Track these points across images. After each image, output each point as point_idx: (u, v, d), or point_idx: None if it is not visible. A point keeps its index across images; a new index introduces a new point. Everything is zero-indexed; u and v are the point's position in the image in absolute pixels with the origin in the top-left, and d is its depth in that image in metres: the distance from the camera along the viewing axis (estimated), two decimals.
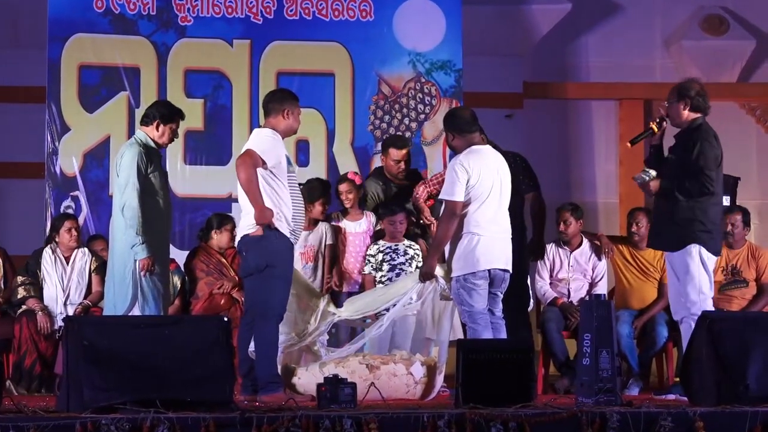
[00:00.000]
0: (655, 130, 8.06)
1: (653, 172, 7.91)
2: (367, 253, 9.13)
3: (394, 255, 9.06)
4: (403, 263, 9.04)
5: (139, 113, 11.04)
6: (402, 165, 9.41)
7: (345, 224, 9.25)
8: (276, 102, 7.90)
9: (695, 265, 7.79)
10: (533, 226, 9.21)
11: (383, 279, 9.04)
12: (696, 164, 7.78)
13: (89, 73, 11.18)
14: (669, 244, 7.96)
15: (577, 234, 9.61)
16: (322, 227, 9.29)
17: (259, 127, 7.99)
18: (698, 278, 7.79)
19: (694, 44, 12.85)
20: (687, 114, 7.93)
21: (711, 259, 7.88)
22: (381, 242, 9.11)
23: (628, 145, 8.21)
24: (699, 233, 7.81)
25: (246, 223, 7.74)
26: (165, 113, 8.48)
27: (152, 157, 8.40)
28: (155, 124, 8.46)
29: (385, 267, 9.05)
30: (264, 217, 7.57)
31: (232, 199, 10.52)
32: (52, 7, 11.10)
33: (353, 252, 9.22)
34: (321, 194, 9.26)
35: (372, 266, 9.08)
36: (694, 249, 7.80)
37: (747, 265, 9.52)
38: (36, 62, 11.37)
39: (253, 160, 7.60)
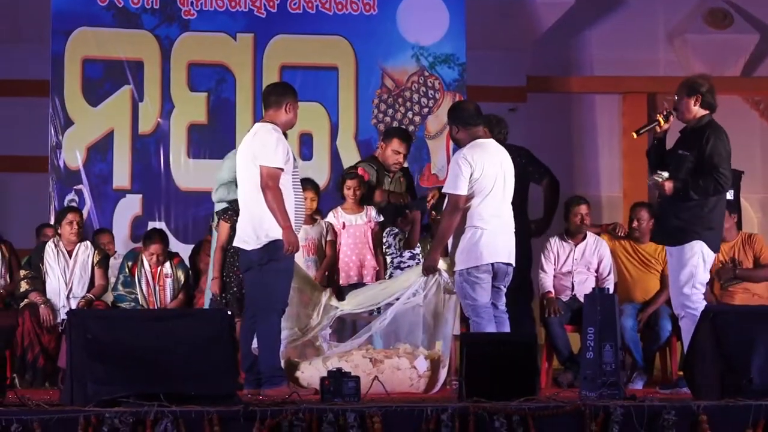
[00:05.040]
0: (662, 122, 8.04)
1: (665, 174, 7.88)
2: (385, 240, 9.11)
3: None
4: (418, 254, 9.06)
5: (142, 107, 11.10)
6: (400, 158, 9.36)
7: (344, 217, 9.21)
8: (278, 95, 7.87)
9: (696, 261, 7.80)
10: (547, 206, 9.20)
11: (404, 266, 9.02)
12: (710, 162, 7.78)
13: (92, 66, 11.19)
14: (672, 239, 7.97)
15: (588, 228, 9.64)
16: (323, 222, 9.27)
17: (261, 120, 7.97)
18: (696, 275, 7.80)
19: (697, 38, 12.84)
20: (696, 110, 7.92)
21: (710, 257, 7.89)
22: (396, 230, 9.09)
23: (633, 135, 8.20)
24: (703, 231, 7.81)
25: (246, 234, 7.75)
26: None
27: None
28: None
29: (406, 254, 9.04)
30: (291, 240, 7.60)
31: None
32: (55, 0, 11.10)
33: (353, 245, 9.17)
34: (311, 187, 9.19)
35: (390, 253, 9.12)
36: (697, 246, 7.80)
37: (744, 254, 9.55)
38: (39, 56, 11.38)
39: (275, 181, 7.61)
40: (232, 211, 9.28)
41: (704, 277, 7.88)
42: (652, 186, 8.04)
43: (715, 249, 7.95)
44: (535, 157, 9.16)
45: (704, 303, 7.74)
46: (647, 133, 8.16)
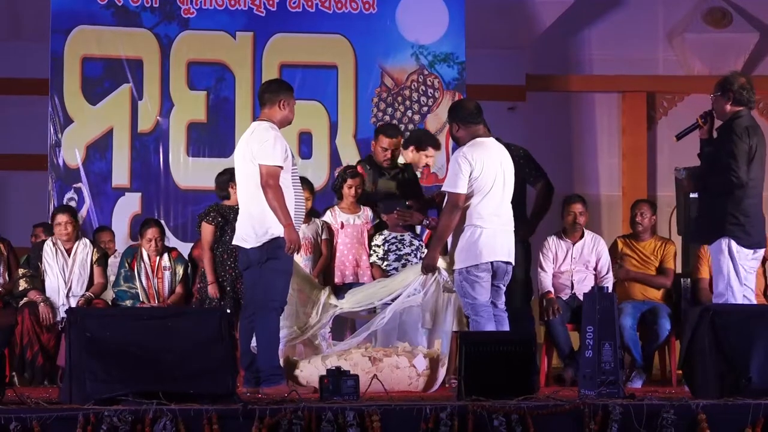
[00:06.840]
0: (701, 124, 8.04)
1: (682, 170, 7.94)
2: (372, 243, 9.09)
3: (400, 245, 9.05)
4: (409, 254, 9.02)
5: (142, 105, 11.09)
6: (388, 154, 9.29)
7: (342, 216, 9.20)
8: (272, 92, 7.87)
9: (724, 258, 7.80)
10: (536, 209, 9.10)
11: (389, 269, 9.00)
12: (721, 159, 7.79)
13: (92, 65, 11.18)
14: (704, 237, 8.07)
15: (581, 227, 9.61)
16: (318, 221, 9.26)
17: (258, 118, 7.97)
18: (726, 271, 7.80)
19: (696, 37, 12.85)
20: (729, 108, 7.90)
21: (742, 252, 7.82)
22: (386, 232, 9.08)
23: (675, 139, 8.20)
24: (730, 226, 7.79)
25: (245, 232, 7.74)
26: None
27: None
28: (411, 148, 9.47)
29: (391, 257, 9.03)
30: (292, 238, 7.60)
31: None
32: None
33: (350, 244, 9.16)
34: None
35: (377, 256, 9.05)
36: (724, 242, 7.81)
37: None
38: (39, 54, 11.38)
39: (276, 179, 7.61)
40: (214, 212, 9.29)
41: (739, 274, 7.83)
42: (677, 182, 8.16)
43: (749, 244, 7.85)
44: (533, 158, 9.13)
45: (747, 302, 7.77)
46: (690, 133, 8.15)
